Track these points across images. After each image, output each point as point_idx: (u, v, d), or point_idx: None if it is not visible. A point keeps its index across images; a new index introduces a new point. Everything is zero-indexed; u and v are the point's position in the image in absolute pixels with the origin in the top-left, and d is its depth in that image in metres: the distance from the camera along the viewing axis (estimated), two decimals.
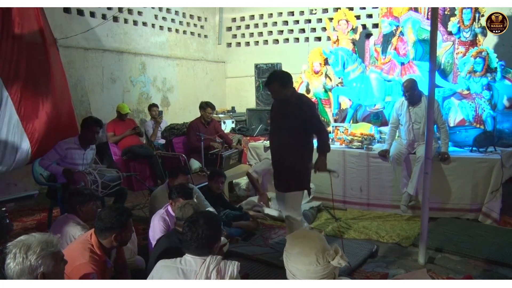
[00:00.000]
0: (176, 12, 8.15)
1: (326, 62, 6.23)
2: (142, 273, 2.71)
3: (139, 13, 7.27)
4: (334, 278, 1.63)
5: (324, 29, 7.67)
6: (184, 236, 2.09)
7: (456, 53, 5.49)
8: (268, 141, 3.84)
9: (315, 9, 8.05)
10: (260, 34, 8.86)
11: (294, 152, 3.42)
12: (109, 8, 6.60)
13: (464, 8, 5.25)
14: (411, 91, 4.46)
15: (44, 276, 1.77)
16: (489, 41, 5.80)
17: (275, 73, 3.46)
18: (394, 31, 5.70)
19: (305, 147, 3.46)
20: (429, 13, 5.47)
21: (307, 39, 8.22)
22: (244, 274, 3.20)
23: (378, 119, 6.15)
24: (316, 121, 3.48)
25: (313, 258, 1.57)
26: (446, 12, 5.66)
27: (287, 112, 3.37)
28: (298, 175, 3.46)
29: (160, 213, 3.25)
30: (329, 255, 1.58)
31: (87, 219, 2.95)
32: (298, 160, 3.43)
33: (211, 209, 3.85)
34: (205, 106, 5.71)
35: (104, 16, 6.50)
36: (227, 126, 7.20)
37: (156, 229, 3.15)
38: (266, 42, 8.81)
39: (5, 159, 4.45)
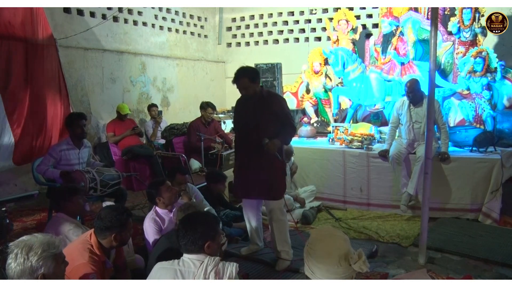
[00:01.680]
0: (176, 12, 8.15)
1: (326, 62, 6.24)
2: (141, 273, 2.71)
3: (139, 13, 7.27)
4: None
5: (324, 29, 7.67)
6: (176, 233, 2.12)
7: (456, 53, 5.50)
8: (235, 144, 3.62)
9: (315, 9, 8.04)
10: (260, 34, 8.86)
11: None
12: (109, 8, 6.60)
13: (464, 8, 5.25)
14: (414, 92, 4.46)
15: (45, 277, 1.77)
16: (489, 41, 5.80)
17: (243, 68, 3.35)
18: (394, 31, 5.70)
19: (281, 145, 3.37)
20: (429, 13, 5.48)
21: (307, 39, 8.22)
22: (244, 274, 3.20)
23: (378, 119, 6.16)
24: (290, 116, 3.41)
25: (336, 259, 1.55)
26: (446, 12, 5.66)
27: (261, 108, 3.26)
28: (280, 179, 3.38)
29: (150, 215, 3.21)
30: (351, 259, 1.56)
31: (75, 214, 2.95)
32: (276, 161, 3.30)
33: (208, 207, 3.84)
34: (206, 106, 5.70)
35: (104, 16, 6.50)
36: (227, 126, 7.20)
37: (148, 232, 3.13)
38: (266, 42, 8.80)
39: None
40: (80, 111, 4.38)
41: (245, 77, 3.27)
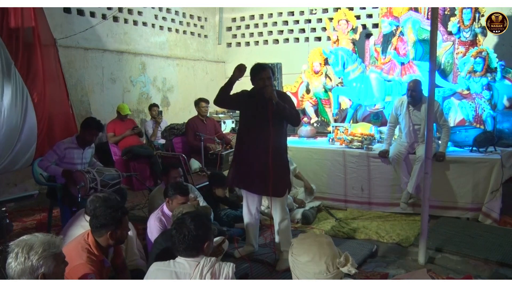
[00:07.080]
0: (176, 12, 8.16)
1: (326, 62, 6.24)
2: (142, 274, 2.70)
3: (139, 13, 7.28)
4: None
5: (324, 29, 7.67)
6: (172, 238, 2.08)
7: (456, 53, 5.50)
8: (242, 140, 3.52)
9: (315, 9, 8.05)
10: (260, 34, 8.86)
11: (283, 147, 3.39)
12: (109, 8, 6.60)
13: (464, 8, 5.25)
14: (416, 91, 4.44)
15: (45, 276, 1.77)
16: (489, 41, 5.80)
17: (262, 63, 3.37)
18: (394, 31, 5.70)
19: (286, 141, 3.47)
20: (429, 13, 5.47)
21: (307, 39, 8.22)
22: (243, 274, 3.20)
23: (378, 119, 6.15)
24: (297, 111, 3.49)
25: (323, 266, 1.52)
26: (446, 12, 5.66)
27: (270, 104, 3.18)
28: (287, 173, 3.43)
29: (156, 213, 3.22)
30: (339, 263, 1.54)
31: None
32: (286, 156, 3.39)
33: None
34: (198, 101, 5.73)
35: (104, 16, 6.50)
36: (227, 126, 7.20)
37: (152, 230, 3.13)
38: (266, 42, 8.80)
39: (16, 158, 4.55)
40: (101, 122, 4.16)
41: (269, 68, 3.32)
